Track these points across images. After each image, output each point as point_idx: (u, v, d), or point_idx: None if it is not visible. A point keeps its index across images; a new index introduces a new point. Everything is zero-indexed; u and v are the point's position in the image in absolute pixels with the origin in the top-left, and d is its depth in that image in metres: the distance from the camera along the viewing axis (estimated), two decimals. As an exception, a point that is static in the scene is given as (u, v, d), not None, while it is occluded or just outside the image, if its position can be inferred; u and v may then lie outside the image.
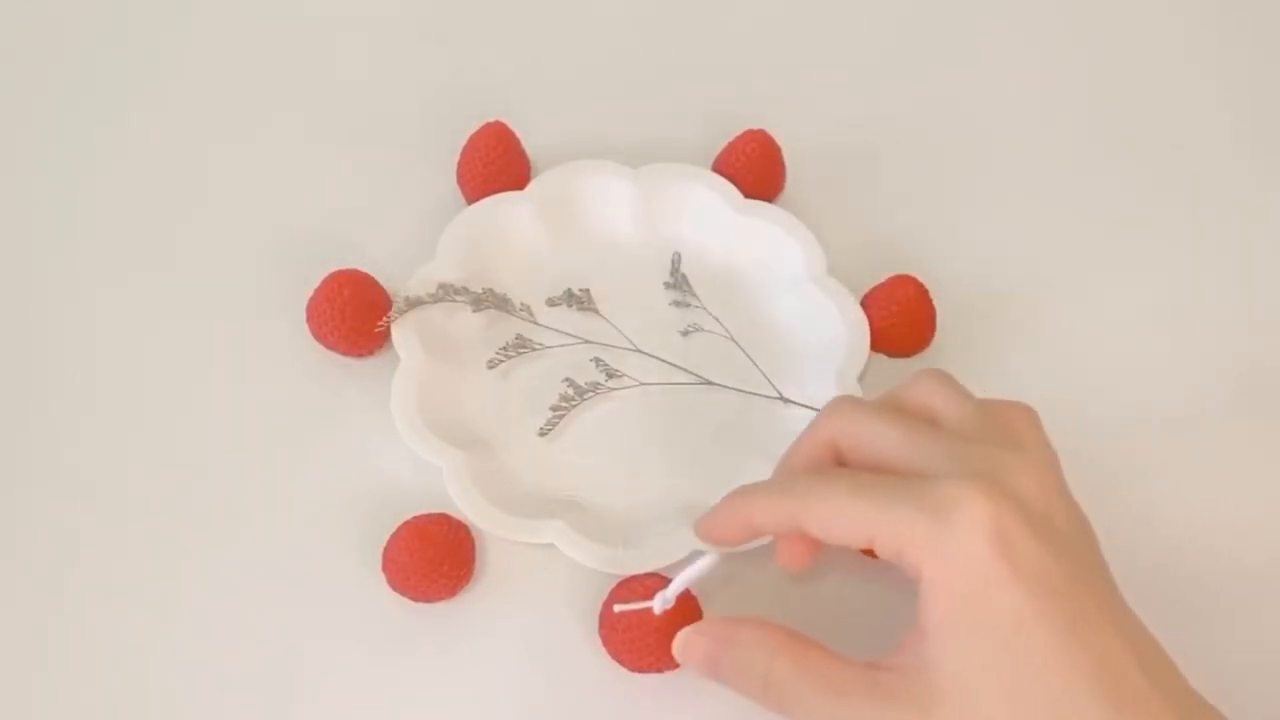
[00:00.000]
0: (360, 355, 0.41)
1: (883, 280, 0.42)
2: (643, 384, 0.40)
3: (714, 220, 0.44)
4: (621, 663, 0.35)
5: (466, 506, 0.37)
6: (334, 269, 0.40)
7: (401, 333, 0.40)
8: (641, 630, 0.33)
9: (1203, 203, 0.48)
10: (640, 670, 0.35)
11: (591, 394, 0.40)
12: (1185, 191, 0.48)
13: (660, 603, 0.33)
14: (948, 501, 0.27)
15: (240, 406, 0.40)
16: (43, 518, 0.38)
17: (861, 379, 0.40)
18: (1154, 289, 0.45)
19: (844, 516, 0.29)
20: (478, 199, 0.44)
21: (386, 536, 0.36)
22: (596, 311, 0.42)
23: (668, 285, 0.43)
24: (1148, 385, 0.42)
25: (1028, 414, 0.31)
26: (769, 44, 0.51)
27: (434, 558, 0.35)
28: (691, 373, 0.41)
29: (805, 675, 0.29)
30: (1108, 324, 0.44)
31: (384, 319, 0.40)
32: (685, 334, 0.42)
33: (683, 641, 0.32)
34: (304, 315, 0.40)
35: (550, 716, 0.35)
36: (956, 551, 0.27)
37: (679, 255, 0.43)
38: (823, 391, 0.40)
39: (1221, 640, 0.37)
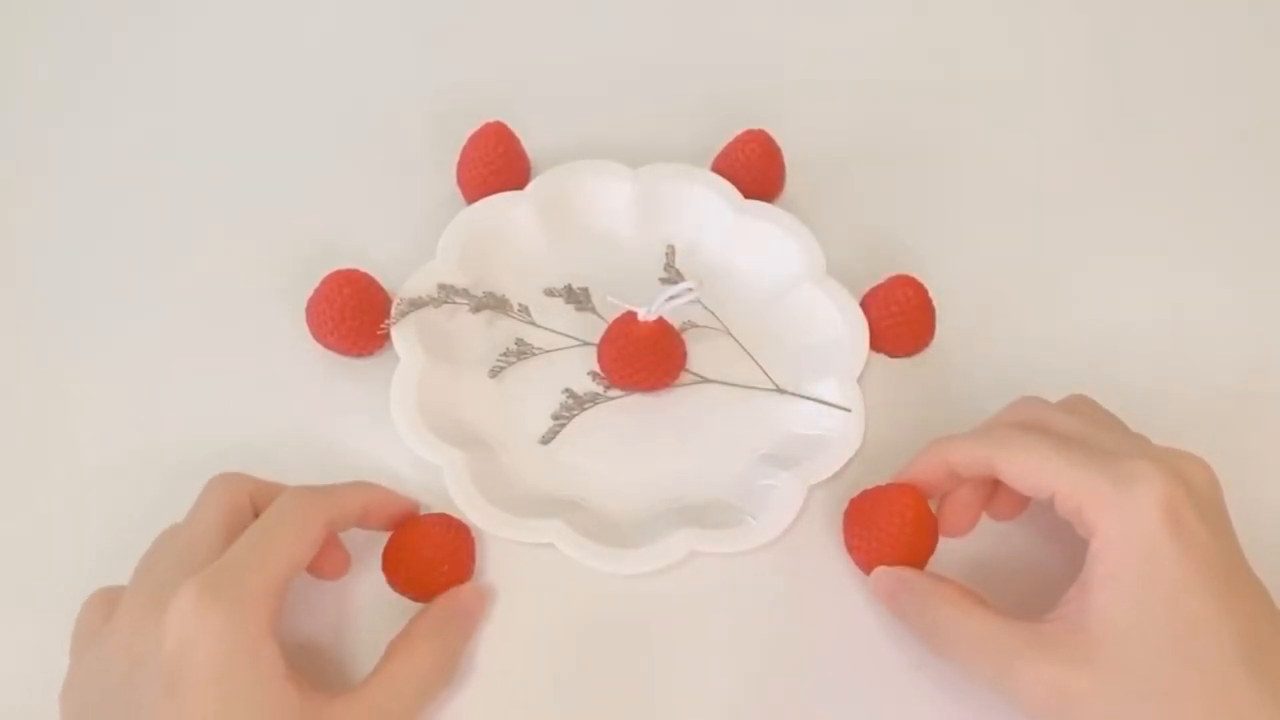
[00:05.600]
0: (360, 355, 0.41)
1: (882, 280, 0.42)
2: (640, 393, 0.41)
3: (713, 220, 0.44)
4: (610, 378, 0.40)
5: (466, 506, 0.37)
6: (334, 269, 0.40)
7: (401, 333, 0.40)
8: (629, 339, 0.39)
9: (1204, 202, 0.48)
10: (626, 386, 0.40)
11: (591, 404, 0.40)
12: (1186, 191, 0.48)
13: (643, 313, 0.39)
14: (1132, 473, 0.31)
15: (240, 406, 0.40)
16: (41, 517, 0.38)
17: (861, 379, 0.40)
18: (1155, 288, 0.45)
19: (1038, 466, 0.32)
20: (478, 199, 0.44)
21: (386, 536, 0.36)
22: (594, 311, 0.42)
23: (663, 280, 0.43)
24: (1149, 384, 0.42)
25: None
26: (769, 44, 0.51)
27: (434, 558, 0.35)
28: (690, 372, 0.41)
29: (967, 622, 0.32)
30: (1108, 323, 0.44)
31: (385, 322, 0.40)
32: (682, 330, 0.42)
33: (874, 575, 0.36)
34: (304, 315, 0.40)
35: (550, 716, 0.35)
36: (1133, 517, 0.30)
37: (673, 248, 0.43)
38: (822, 392, 0.40)
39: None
